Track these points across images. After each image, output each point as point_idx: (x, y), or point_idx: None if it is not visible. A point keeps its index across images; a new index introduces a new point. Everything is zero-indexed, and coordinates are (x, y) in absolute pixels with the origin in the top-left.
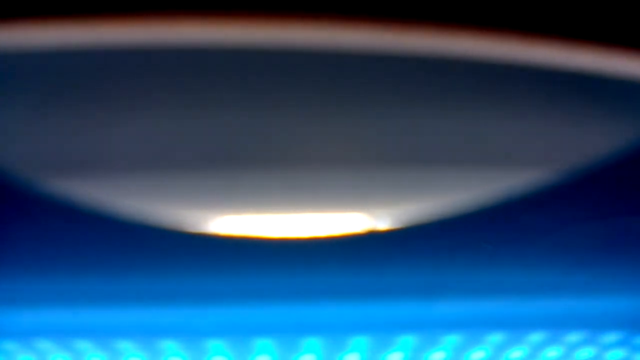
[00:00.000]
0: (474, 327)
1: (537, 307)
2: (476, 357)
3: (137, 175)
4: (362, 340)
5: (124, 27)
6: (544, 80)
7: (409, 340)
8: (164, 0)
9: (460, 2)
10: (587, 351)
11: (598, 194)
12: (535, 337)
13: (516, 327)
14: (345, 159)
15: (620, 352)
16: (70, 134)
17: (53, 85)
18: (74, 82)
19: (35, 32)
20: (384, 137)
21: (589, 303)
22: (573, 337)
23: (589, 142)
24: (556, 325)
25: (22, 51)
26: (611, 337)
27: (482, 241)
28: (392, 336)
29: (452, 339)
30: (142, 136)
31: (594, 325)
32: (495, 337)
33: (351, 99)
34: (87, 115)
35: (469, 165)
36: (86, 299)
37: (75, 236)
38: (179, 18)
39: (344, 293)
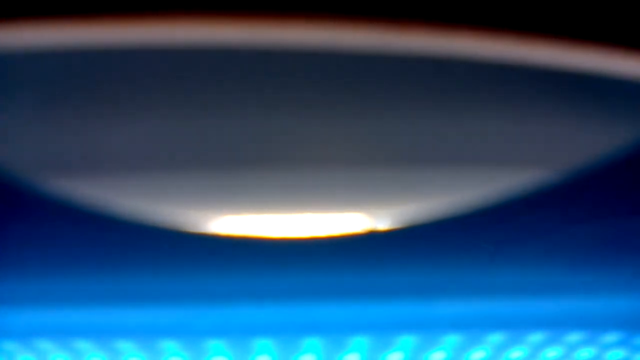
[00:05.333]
0: (474, 327)
1: (537, 307)
2: (476, 357)
3: (137, 175)
4: (362, 340)
5: (124, 27)
6: (544, 80)
7: (409, 340)
8: (164, 0)
9: (460, 2)
10: (587, 351)
11: (598, 194)
12: (535, 337)
13: (516, 327)
14: (345, 159)
15: (620, 352)
16: (71, 134)
17: (53, 85)
18: (74, 82)
19: (35, 32)
20: (384, 137)
21: (589, 303)
22: (573, 337)
23: (589, 142)
24: (556, 325)
25: (22, 51)
26: (611, 337)
27: (482, 241)
28: (392, 336)
29: (452, 339)
30: (142, 136)
31: (594, 325)
32: (495, 337)
33: (351, 99)
34: (87, 115)
35: (469, 165)
36: (86, 299)
37: (75, 236)
38: (179, 18)
39: (344, 293)
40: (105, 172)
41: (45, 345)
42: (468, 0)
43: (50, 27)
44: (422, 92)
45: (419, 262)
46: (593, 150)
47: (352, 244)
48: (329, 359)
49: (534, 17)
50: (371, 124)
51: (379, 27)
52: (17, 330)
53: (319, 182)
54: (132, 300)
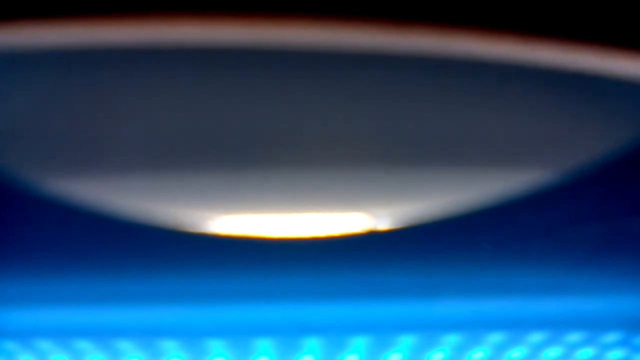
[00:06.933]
0: (474, 327)
1: (537, 307)
2: (476, 357)
3: (137, 175)
4: (362, 340)
5: (124, 27)
6: (544, 80)
7: (409, 340)
8: (164, 0)
9: (460, 2)
10: (587, 351)
11: (598, 194)
12: (535, 337)
13: (516, 327)
14: (345, 159)
15: (620, 352)
16: (71, 134)
17: (53, 85)
18: (74, 82)
19: (35, 32)
20: (384, 137)
21: (589, 303)
22: (573, 337)
23: (589, 142)
24: (556, 325)
25: (22, 51)
26: (611, 337)
27: (483, 241)
28: (392, 336)
29: (452, 339)
30: (142, 136)
31: (594, 325)
32: (495, 337)
33: (351, 98)
34: (87, 115)
35: (469, 165)
36: (86, 299)
37: (75, 236)
38: (179, 18)
39: (344, 293)
40: (105, 172)
41: (45, 345)
42: (468, 1)
43: (50, 27)
44: (423, 92)
45: (419, 262)
46: (593, 150)
47: (352, 244)
48: (329, 359)
49: (534, 17)
50: (371, 123)
51: (379, 27)
52: (17, 330)
53: (319, 182)
54: (132, 300)
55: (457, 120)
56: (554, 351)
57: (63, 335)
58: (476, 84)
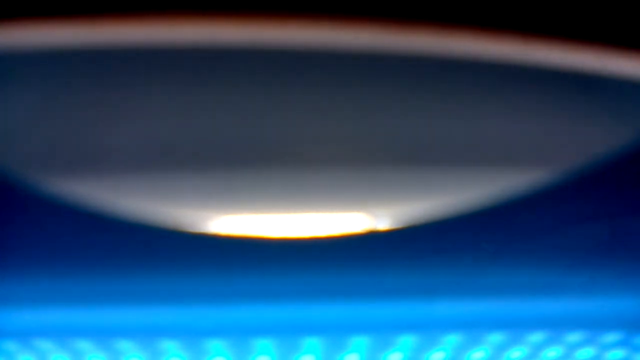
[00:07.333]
0: (474, 327)
1: (537, 307)
2: (476, 357)
3: (137, 175)
4: (362, 340)
5: (124, 27)
6: (544, 80)
7: (409, 340)
8: (164, 0)
9: (460, 2)
10: (587, 351)
11: (598, 194)
12: (535, 337)
13: (516, 327)
14: (345, 159)
15: (620, 352)
16: (71, 134)
17: (53, 85)
18: (74, 82)
19: (35, 32)
20: (384, 137)
21: (589, 303)
22: (573, 337)
23: (589, 142)
24: (556, 325)
25: (22, 51)
26: (611, 337)
27: (482, 241)
28: (392, 336)
29: (452, 339)
30: (142, 136)
31: (594, 325)
32: (495, 337)
33: (351, 98)
34: (87, 115)
35: (469, 165)
36: (86, 299)
37: (75, 236)
38: (179, 18)
39: (344, 293)
40: (106, 172)
41: (45, 345)
42: (468, 1)
43: (50, 27)
44: (423, 92)
45: (419, 262)
46: (593, 150)
47: (352, 244)
48: (329, 359)
49: (534, 17)
50: (371, 123)
51: (379, 27)
52: (17, 330)
53: (319, 182)
54: (132, 300)
55: (457, 120)
56: (554, 351)
57: (63, 335)
58: (476, 84)
